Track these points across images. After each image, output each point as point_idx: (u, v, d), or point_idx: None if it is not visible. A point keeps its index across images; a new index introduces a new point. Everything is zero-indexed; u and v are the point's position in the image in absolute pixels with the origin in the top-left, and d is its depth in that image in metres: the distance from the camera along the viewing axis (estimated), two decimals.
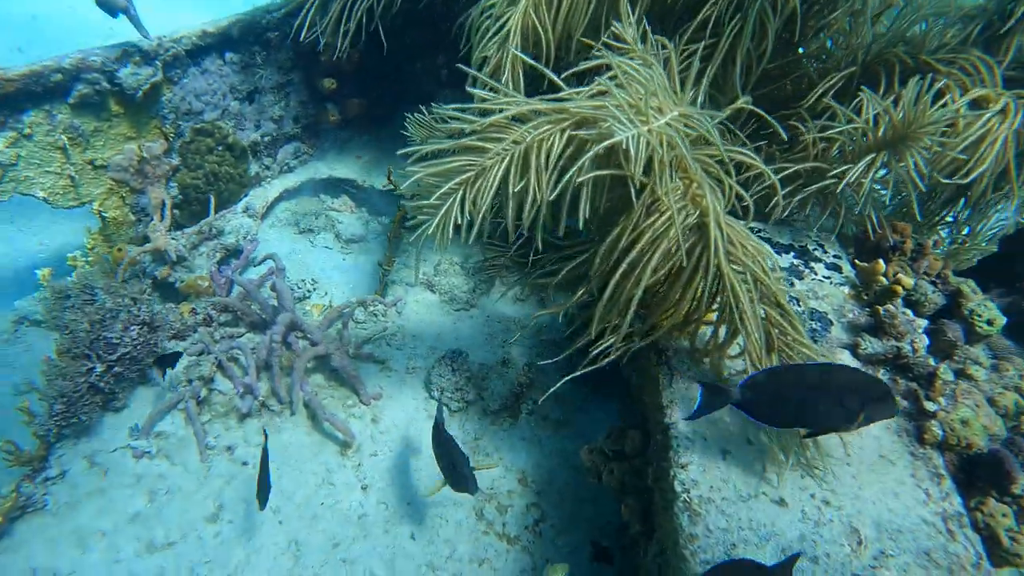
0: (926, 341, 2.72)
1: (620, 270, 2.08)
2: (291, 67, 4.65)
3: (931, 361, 2.64)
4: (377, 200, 5.20)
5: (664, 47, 2.36)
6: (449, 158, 2.06)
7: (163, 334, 3.50)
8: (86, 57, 3.58)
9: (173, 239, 4.08)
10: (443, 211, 2.03)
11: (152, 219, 4.12)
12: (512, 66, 2.55)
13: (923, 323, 2.79)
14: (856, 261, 3.07)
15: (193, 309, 3.85)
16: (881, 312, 2.73)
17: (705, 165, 2.12)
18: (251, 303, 3.80)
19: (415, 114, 4.07)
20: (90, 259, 4.12)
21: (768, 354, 2.13)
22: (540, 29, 2.59)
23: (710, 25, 2.59)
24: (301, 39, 3.84)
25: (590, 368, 2.39)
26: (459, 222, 2.07)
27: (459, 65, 2.35)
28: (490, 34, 2.61)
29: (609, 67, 2.54)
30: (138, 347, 3.28)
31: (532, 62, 2.24)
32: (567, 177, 1.89)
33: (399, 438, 3.48)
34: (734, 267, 2.08)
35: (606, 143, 1.82)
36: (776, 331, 2.15)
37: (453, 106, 2.13)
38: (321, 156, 5.20)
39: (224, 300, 3.79)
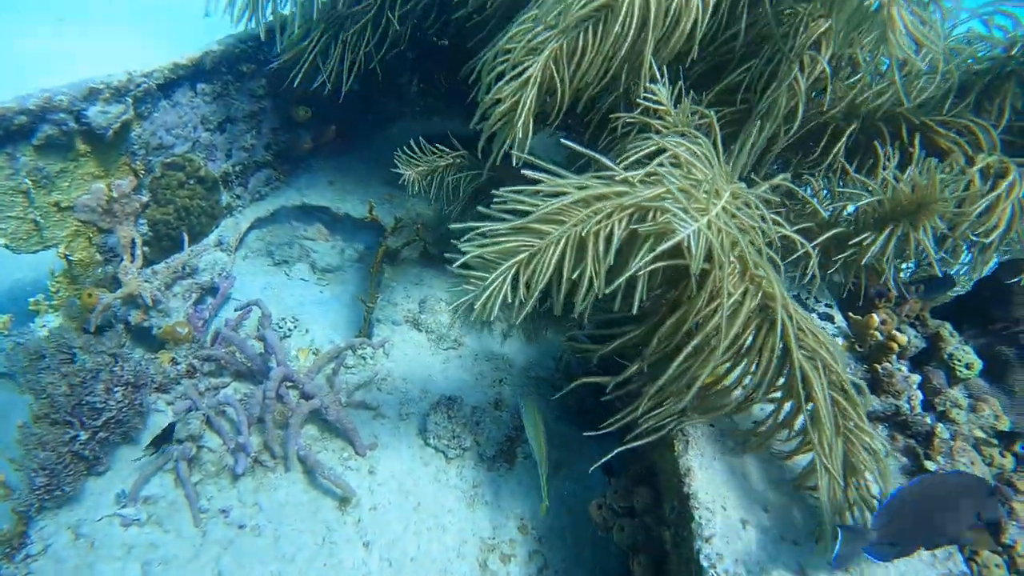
0: (921, 397, 2.87)
1: (685, 352, 2.11)
2: (263, 95, 4.47)
3: (928, 420, 2.78)
4: (351, 227, 5.09)
5: (703, 116, 2.39)
6: (503, 237, 2.02)
7: (147, 390, 3.34)
8: (52, 96, 3.35)
9: (147, 282, 3.89)
10: (492, 288, 1.98)
11: (122, 259, 3.92)
12: (527, 111, 2.51)
13: (917, 379, 2.94)
14: (850, 314, 3.19)
15: (173, 359, 3.70)
16: (880, 371, 2.86)
17: (753, 240, 2.16)
18: (237, 352, 3.67)
19: (403, 149, 4.03)
20: (54, 303, 3.90)
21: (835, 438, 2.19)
22: (557, 80, 2.55)
23: (741, 90, 2.64)
24: (295, 85, 3.73)
25: (638, 442, 2.42)
26: (509, 300, 2.03)
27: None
28: (507, 78, 2.55)
29: (644, 127, 2.57)
30: (123, 409, 3.13)
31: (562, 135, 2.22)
32: (629, 273, 1.88)
33: (397, 489, 3.44)
34: (803, 352, 2.13)
35: (670, 243, 1.82)
36: (840, 416, 2.21)
37: (510, 188, 2.09)
38: (293, 183, 5.04)
39: (208, 351, 3.65)
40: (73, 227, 3.78)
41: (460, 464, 3.61)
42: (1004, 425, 3.13)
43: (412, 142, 4.10)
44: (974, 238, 2.83)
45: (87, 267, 3.89)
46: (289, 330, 4.27)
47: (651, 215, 1.97)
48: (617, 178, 2.03)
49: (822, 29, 2.47)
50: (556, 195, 2.00)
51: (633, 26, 2.25)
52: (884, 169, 2.76)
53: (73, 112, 3.44)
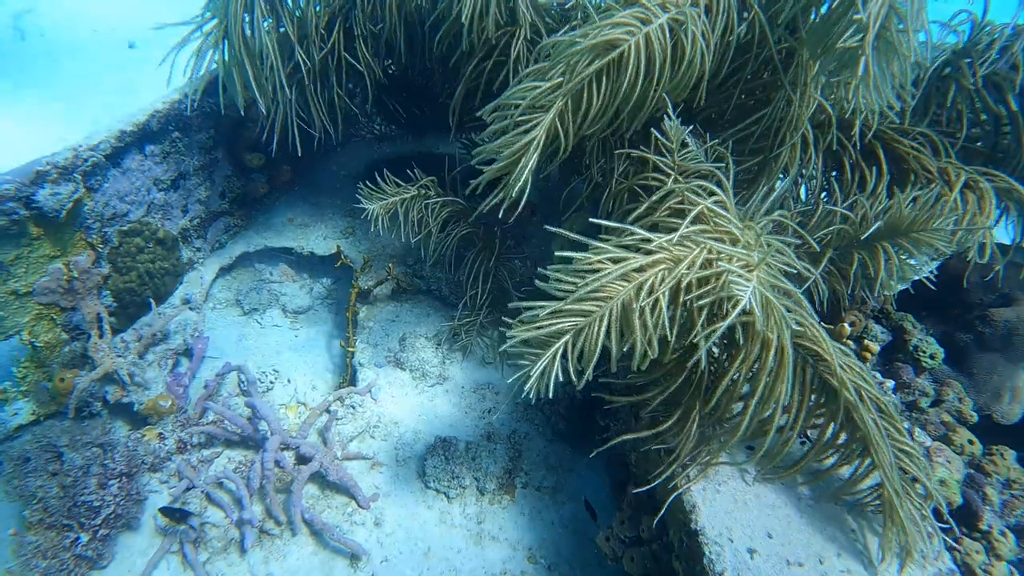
0: (896, 400, 3.07)
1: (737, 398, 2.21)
2: (213, 145, 4.36)
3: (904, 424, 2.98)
4: (316, 263, 5.04)
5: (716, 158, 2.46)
6: (551, 319, 2.05)
7: (140, 475, 3.30)
8: None
9: (120, 356, 3.80)
10: (542, 366, 2.02)
11: (90, 336, 3.81)
12: (528, 171, 2.53)
13: (891, 384, 3.13)
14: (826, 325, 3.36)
15: (160, 434, 3.64)
16: None
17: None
18: (226, 422, 3.64)
19: (365, 183, 3.97)
20: (23, 389, 3.78)
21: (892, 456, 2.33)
22: (561, 131, 2.55)
23: (753, 140, 2.71)
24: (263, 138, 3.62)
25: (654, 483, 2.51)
26: (560, 377, 2.07)
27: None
28: (511, 134, 2.54)
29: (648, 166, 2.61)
30: (121, 503, 3.09)
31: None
32: (696, 340, 1.95)
33: (405, 537, 3.50)
34: (846, 386, 2.26)
35: (738, 310, 1.89)
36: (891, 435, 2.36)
37: (557, 267, 2.12)
38: (252, 225, 4.94)
39: (199, 428, 3.60)
40: (35, 311, 3.64)
41: (462, 502, 3.69)
42: (967, 407, 3.37)
43: (376, 174, 4.06)
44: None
45: (54, 349, 3.77)
46: (271, 383, 4.24)
47: (694, 282, 2.02)
48: (652, 244, 2.06)
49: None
50: (593, 271, 2.03)
51: (641, 75, 2.27)
52: (856, 187, 2.92)
53: (21, 199, 3.30)
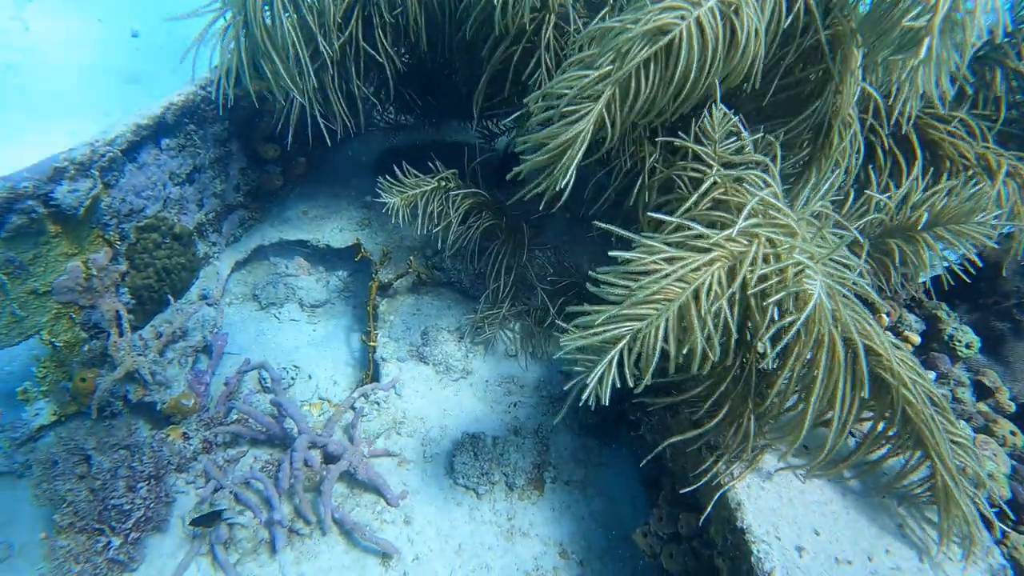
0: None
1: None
2: (227, 137, 4.27)
3: None
4: (331, 256, 4.97)
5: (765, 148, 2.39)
6: (606, 324, 1.99)
7: (168, 477, 3.25)
8: (15, 185, 3.12)
9: (140, 355, 3.74)
10: (599, 373, 1.97)
11: (109, 334, 3.74)
12: (574, 163, 2.46)
13: (932, 375, 3.08)
14: None
15: (185, 434, 3.59)
16: None
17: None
18: (251, 420, 3.59)
19: (384, 177, 3.90)
20: (43, 389, 3.72)
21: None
22: (608, 121, 2.47)
23: (800, 131, 2.64)
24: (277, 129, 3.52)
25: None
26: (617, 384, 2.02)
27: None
28: (557, 125, 2.45)
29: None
30: (150, 505, 3.04)
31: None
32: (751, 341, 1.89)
33: (436, 535, 3.47)
34: (904, 383, 2.21)
35: (811, 308, 1.83)
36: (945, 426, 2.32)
37: (606, 269, 2.06)
38: (266, 218, 4.86)
39: (224, 428, 3.55)
40: (54, 310, 3.58)
41: (491, 499, 3.65)
42: (1004, 396, 3.32)
43: (392, 165, 3.99)
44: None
45: (73, 348, 3.71)
46: (292, 379, 4.19)
47: (757, 279, 1.96)
48: (711, 240, 1.99)
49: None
50: (646, 272, 1.96)
51: (694, 62, 2.19)
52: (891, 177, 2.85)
53: (40, 197, 3.22)
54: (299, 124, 3.79)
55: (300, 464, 3.30)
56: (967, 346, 3.38)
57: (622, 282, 1.97)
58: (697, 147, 2.46)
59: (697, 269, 1.95)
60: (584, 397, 1.93)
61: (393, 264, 4.54)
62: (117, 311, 3.80)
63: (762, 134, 2.61)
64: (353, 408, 3.79)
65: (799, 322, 1.86)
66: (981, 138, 3.17)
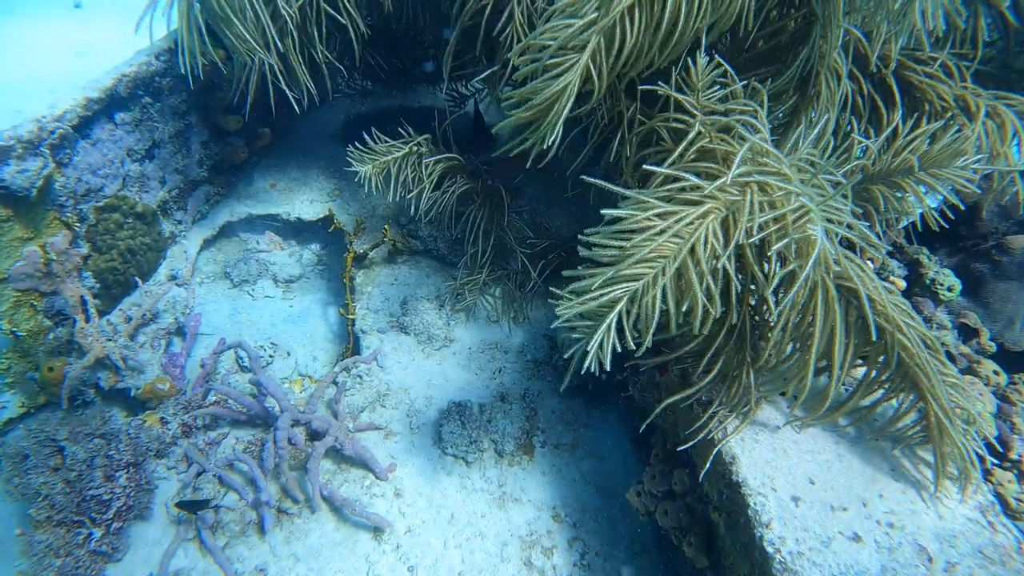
0: None
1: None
2: (186, 110, 4.06)
3: None
4: (303, 229, 4.83)
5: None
6: (602, 288, 1.90)
7: (148, 463, 3.15)
8: None
9: (110, 340, 3.60)
10: (598, 339, 1.89)
11: (75, 321, 3.59)
12: (562, 116, 2.35)
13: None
14: None
15: (162, 419, 3.48)
16: None
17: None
18: (231, 401, 3.49)
19: (355, 144, 3.76)
20: (8, 380, 3.57)
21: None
22: (594, 73, 2.36)
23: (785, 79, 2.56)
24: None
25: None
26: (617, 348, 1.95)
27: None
28: (542, 78, 2.33)
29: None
30: (131, 493, 2.95)
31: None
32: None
33: (427, 506, 3.43)
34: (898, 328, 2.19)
35: (817, 255, 1.78)
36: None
37: (595, 230, 1.97)
38: (233, 193, 4.68)
39: (204, 410, 3.44)
40: (13, 298, 3.41)
41: (481, 466, 3.62)
42: (985, 336, 3.35)
43: (361, 131, 3.85)
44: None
45: (37, 337, 3.55)
46: (270, 356, 4.09)
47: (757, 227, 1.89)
48: (704, 191, 1.92)
49: None
50: (640, 229, 1.88)
51: (683, 9, 2.08)
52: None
53: None
54: (260, 93, 3.63)
55: (284, 443, 3.22)
56: (949, 289, 3.38)
57: (615, 242, 1.90)
58: (680, 96, 2.37)
59: (691, 223, 1.88)
60: (586, 364, 1.86)
61: (367, 234, 4.42)
62: (81, 296, 3.64)
63: (747, 82, 2.52)
64: (335, 383, 3.70)
65: (807, 268, 1.81)
66: (960, 79, 3.12)
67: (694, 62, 2.34)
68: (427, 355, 4.06)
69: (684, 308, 1.89)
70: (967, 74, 3.16)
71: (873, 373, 2.38)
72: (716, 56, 2.41)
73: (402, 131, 3.82)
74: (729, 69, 2.35)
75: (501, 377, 3.99)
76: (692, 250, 1.83)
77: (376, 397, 3.77)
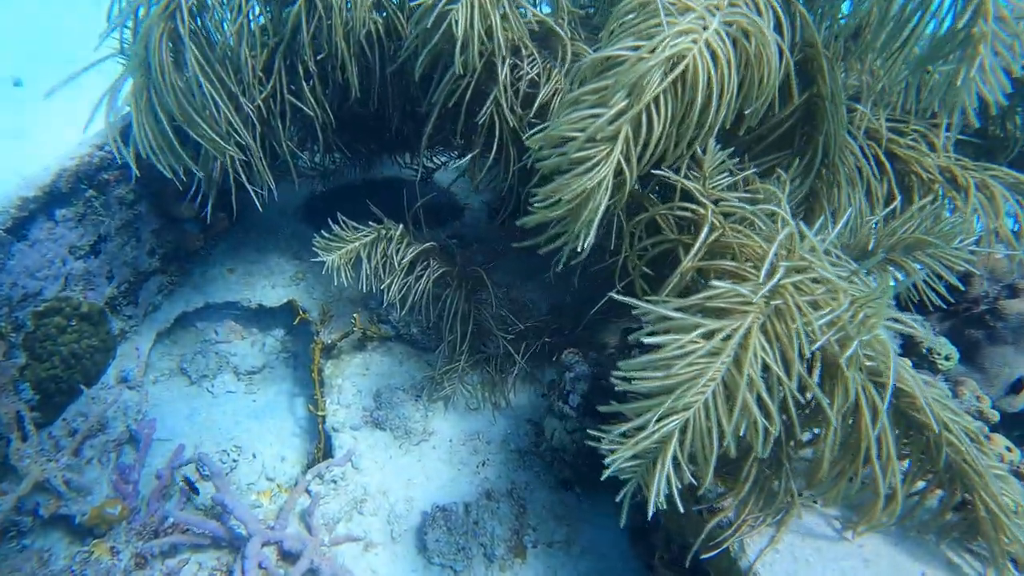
0: None
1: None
2: (135, 199, 3.79)
3: None
4: (265, 316, 4.54)
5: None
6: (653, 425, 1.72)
7: None
8: None
9: (50, 460, 3.24)
10: (658, 483, 1.71)
11: (10, 440, 3.22)
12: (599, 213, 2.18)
13: None
14: None
15: (113, 548, 3.11)
16: None
17: None
18: (191, 527, 3.15)
19: (321, 234, 3.59)
20: None
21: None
22: (623, 163, 2.20)
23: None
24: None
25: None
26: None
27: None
28: (572, 175, 2.15)
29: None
30: None
31: None
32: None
33: None
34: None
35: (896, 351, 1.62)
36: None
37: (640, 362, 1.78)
38: (188, 281, 4.38)
39: (160, 541, 3.10)
40: None
41: (470, 574, 3.33)
42: (986, 404, 3.26)
43: (327, 215, 3.67)
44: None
45: None
46: (234, 461, 3.75)
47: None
48: (746, 298, 1.76)
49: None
50: (684, 355, 1.71)
51: (714, 90, 1.95)
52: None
53: None
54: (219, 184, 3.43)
55: (254, 571, 2.89)
56: (947, 358, 3.31)
57: (655, 374, 1.72)
58: (690, 184, 2.25)
59: (728, 336, 1.72)
60: (650, 511, 1.70)
61: (335, 321, 4.17)
62: (18, 412, 3.28)
63: (755, 170, 2.42)
64: (308, 492, 3.40)
65: (891, 373, 1.67)
66: (943, 149, 3.10)
67: (703, 150, 2.22)
68: (405, 451, 3.78)
69: (743, 431, 1.72)
70: (948, 144, 3.14)
71: (916, 469, 2.24)
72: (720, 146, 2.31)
73: (370, 210, 3.64)
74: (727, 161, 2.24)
75: (485, 471, 3.74)
76: (739, 365, 1.67)
77: (353, 504, 3.47)
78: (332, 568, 3.04)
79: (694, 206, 2.29)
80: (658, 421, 1.68)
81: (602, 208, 1.96)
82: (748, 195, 2.30)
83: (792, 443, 2.22)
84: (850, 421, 2.04)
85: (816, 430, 2.23)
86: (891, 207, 3.03)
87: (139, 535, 3.16)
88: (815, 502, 2.47)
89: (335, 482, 3.52)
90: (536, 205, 2.06)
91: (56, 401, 3.54)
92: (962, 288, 3.31)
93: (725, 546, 2.42)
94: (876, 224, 2.82)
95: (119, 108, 2.96)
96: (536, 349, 3.93)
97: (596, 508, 3.66)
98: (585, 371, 3.39)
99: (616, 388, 1.79)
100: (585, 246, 2.03)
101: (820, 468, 2.06)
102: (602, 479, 1.81)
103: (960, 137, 3.30)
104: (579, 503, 3.68)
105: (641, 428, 1.73)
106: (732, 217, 2.34)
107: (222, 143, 2.97)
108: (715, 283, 1.87)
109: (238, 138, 3.04)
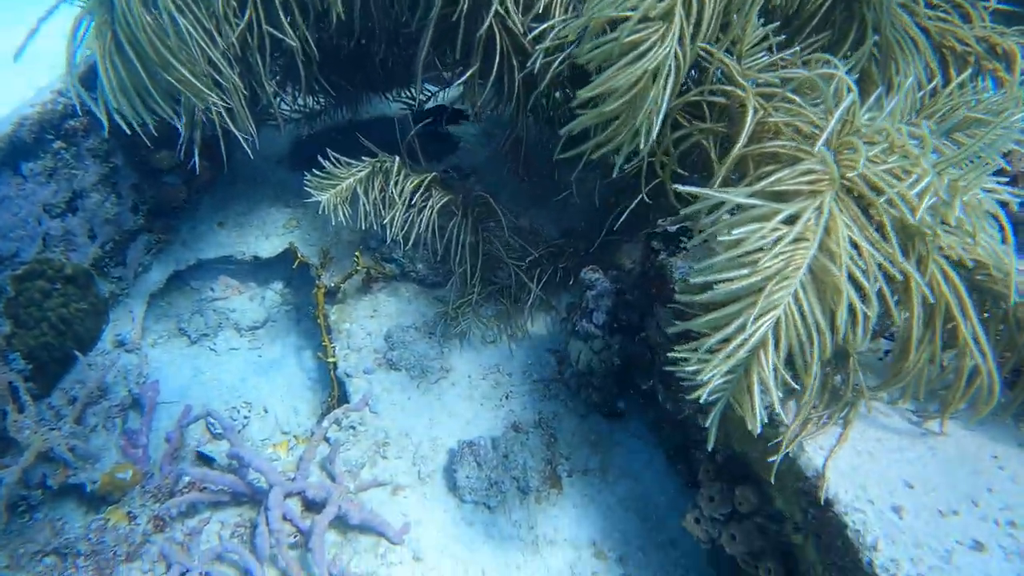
0: None
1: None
2: (109, 151, 3.52)
3: None
4: (262, 268, 4.32)
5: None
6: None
7: (119, 571, 2.64)
8: None
9: (52, 429, 3.06)
10: (757, 400, 1.53)
11: (6, 413, 3.03)
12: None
13: None
14: None
15: (129, 513, 2.96)
16: None
17: None
18: (208, 484, 2.99)
19: (312, 171, 3.36)
20: None
21: None
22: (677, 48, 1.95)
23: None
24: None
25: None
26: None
27: None
28: (624, 62, 1.88)
29: None
30: None
31: None
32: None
33: (453, 566, 2.99)
34: None
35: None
36: None
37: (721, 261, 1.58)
38: (177, 239, 4.14)
39: (176, 500, 2.93)
40: None
41: (506, 509, 3.19)
42: None
43: (309, 154, 3.45)
44: None
45: None
46: (245, 418, 3.58)
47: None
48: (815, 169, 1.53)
49: None
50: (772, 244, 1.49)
51: None
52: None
53: None
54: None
55: (279, 522, 2.74)
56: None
57: (739, 272, 1.50)
58: (729, 60, 1.99)
59: (814, 217, 1.50)
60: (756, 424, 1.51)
61: (336, 264, 3.95)
62: (10, 383, 3.08)
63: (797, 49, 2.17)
64: (327, 440, 3.23)
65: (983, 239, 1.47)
66: (979, 20, 2.83)
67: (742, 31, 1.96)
68: (424, 391, 3.60)
69: (840, 320, 1.52)
70: (985, 14, 2.87)
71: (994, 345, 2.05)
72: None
73: (363, 145, 3.39)
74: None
75: (509, 403, 3.57)
76: (825, 248, 1.46)
77: (375, 448, 3.31)
78: (361, 514, 2.88)
79: (732, 88, 2.03)
80: (756, 320, 1.47)
81: (668, 94, 1.70)
82: (792, 73, 2.05)
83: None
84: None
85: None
86: (932, 84, 2.75)
87: (155, 498, 3.00)
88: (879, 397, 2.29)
89: (354, 428, 3.35)
90: (580, 109, 1.81)
91: (51, 371, 3.34)
92: (1008, 167, 3.08)
93: (787, 451, 2.25)
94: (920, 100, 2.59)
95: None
96: (550, 275, 3.71)
97: (628, 431, 3.51)
98: (608, 287, 3.18)
99: (678, 301, 1.58)
100: (643, 144, 1.78)
101: (908, 351, 1.85)
102: (701, 401, 1.59)
103: (999, 7, 3.03)
104: (610, 428, 3.52)
105: (727, 340, 1.52)
106: (775, 98, 2.11)
107: (203, 88, 2.69)
108: (773, 167, 1.64)
109: (220, 79, 2.77)
